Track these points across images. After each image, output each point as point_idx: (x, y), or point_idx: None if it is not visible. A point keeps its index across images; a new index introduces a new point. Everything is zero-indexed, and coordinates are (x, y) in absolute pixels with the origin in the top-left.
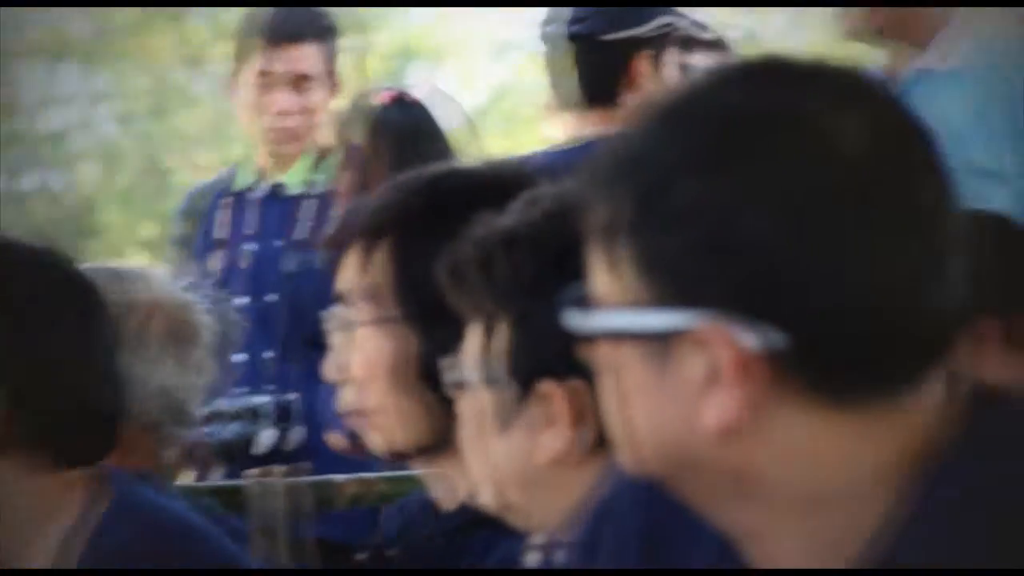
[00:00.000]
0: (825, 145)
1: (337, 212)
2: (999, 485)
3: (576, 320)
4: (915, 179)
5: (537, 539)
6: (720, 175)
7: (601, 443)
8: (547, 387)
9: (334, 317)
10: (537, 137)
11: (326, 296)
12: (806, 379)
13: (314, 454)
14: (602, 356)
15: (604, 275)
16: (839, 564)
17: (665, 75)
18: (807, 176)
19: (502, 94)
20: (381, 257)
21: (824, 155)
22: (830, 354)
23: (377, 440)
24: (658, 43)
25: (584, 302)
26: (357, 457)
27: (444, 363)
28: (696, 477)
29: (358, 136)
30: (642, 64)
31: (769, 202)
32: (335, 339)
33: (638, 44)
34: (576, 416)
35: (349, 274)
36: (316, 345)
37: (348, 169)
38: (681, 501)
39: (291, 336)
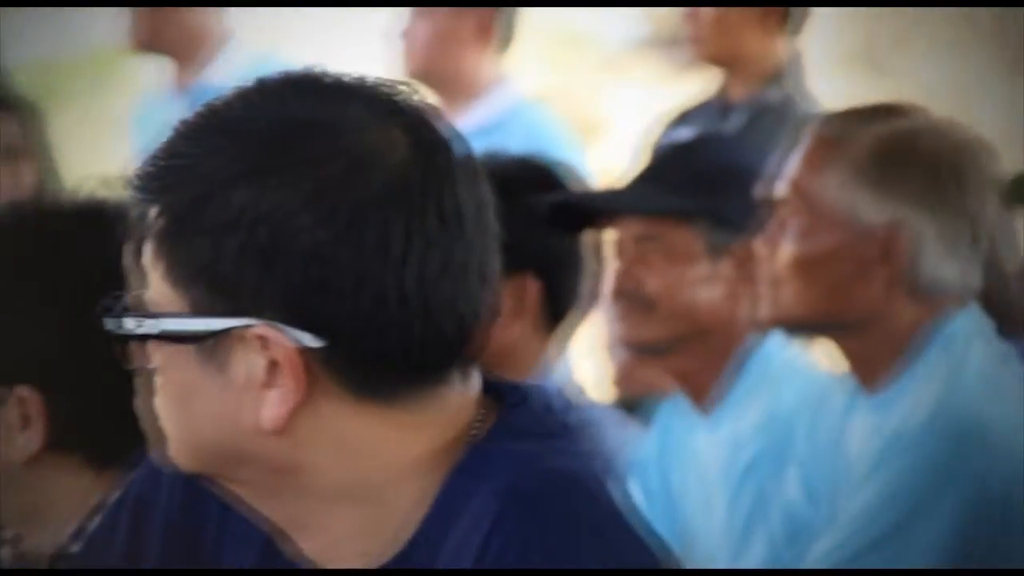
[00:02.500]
0: (371, 153)
1: None
2: (517, 468)
3: (128, 324)
4: (448, 187)
5: (7, 534)
6: (268, 183)
7: (59, 446)
8: (22, 391)
9: None
10: None
11: None
12: (349, 377)
13: None
14: (154, 358)
15: (158, 280)
16: (384, 549)
17: None
18: (355, 182)
19: None
20: None
21: (371, 163)
22: (370, 352)
23: None
24: None
25: (135, 307)
26: None
27: None
28: (245, 472)
29: None
30: None
31: (320, 208)
32: None
33: None
34: (24, 421)
35: None
36: None
37: None
38: (225, 496)
39: None
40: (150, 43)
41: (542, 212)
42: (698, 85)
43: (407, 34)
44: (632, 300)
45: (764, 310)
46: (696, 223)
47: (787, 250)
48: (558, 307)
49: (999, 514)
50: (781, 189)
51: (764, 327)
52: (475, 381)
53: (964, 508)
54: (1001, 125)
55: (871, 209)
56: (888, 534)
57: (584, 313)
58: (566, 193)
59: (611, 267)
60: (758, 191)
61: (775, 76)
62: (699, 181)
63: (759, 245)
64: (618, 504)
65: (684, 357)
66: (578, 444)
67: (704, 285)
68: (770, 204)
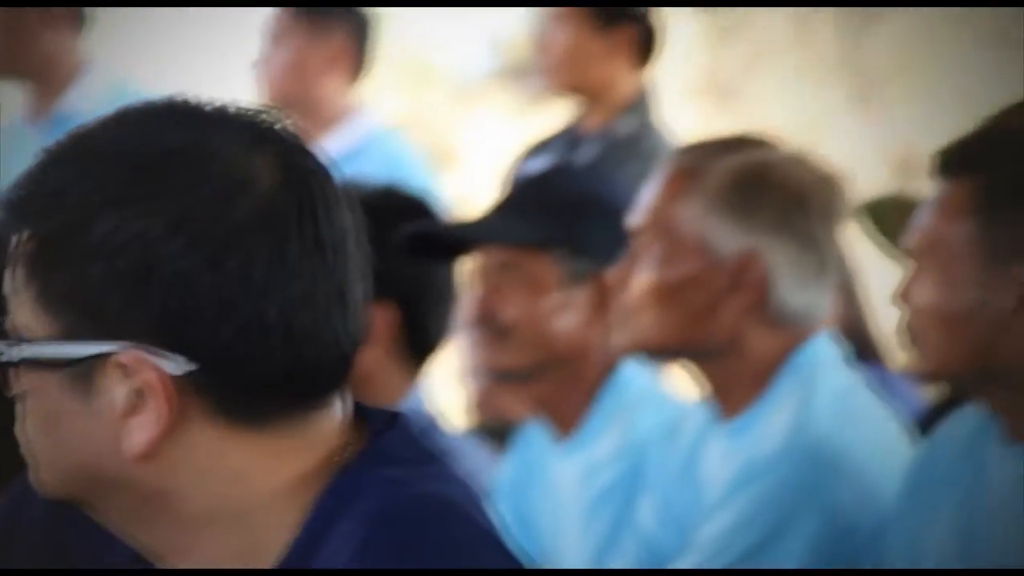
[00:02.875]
0: (238, 180)
1: None
2: (386, 492)
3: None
4: (318, 215)
5: None
6: (137, 209)
7: None
8: None
9: None
10: None
11: None
12: (218, 403)
13: None
14: (24, 383)
15: (27, 304)
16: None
17: None
18: (222, 210)
19: None
20: None
21: (237, 190)
22: (238, 379)
23: None
24: None
25: (6, 332)
26: None
27: None
28: (113, 498)
29: None
30: None
31: (186, 235)
32: None
33: None
34: None
35: None
36: None
37: None
38: (94, 521)
39: None
40: (5, 68)
41: (403, 241)
42: (552, 116)
43: (264, 62)
44: (489, 328)
45: (621, 337)
46: (553, 252)
47: (644, 278)
48: (422, 336)
49: (852, 538)
50: (638, 218)
51: (622, 354)
52: (347, 406)
53: (818, 533)
54: (848, 154)
55: (725, 238)
56: (742, 559)
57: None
58: (426, 223)
59: (469, 294)
60: (618, 220)
61: (628, 106)
62: (555, 210)
63: (616, 273)
64: (495, 527)
65: (543, 384)
66: (450, 469)
67: (561, 313)
68: (628, 233)
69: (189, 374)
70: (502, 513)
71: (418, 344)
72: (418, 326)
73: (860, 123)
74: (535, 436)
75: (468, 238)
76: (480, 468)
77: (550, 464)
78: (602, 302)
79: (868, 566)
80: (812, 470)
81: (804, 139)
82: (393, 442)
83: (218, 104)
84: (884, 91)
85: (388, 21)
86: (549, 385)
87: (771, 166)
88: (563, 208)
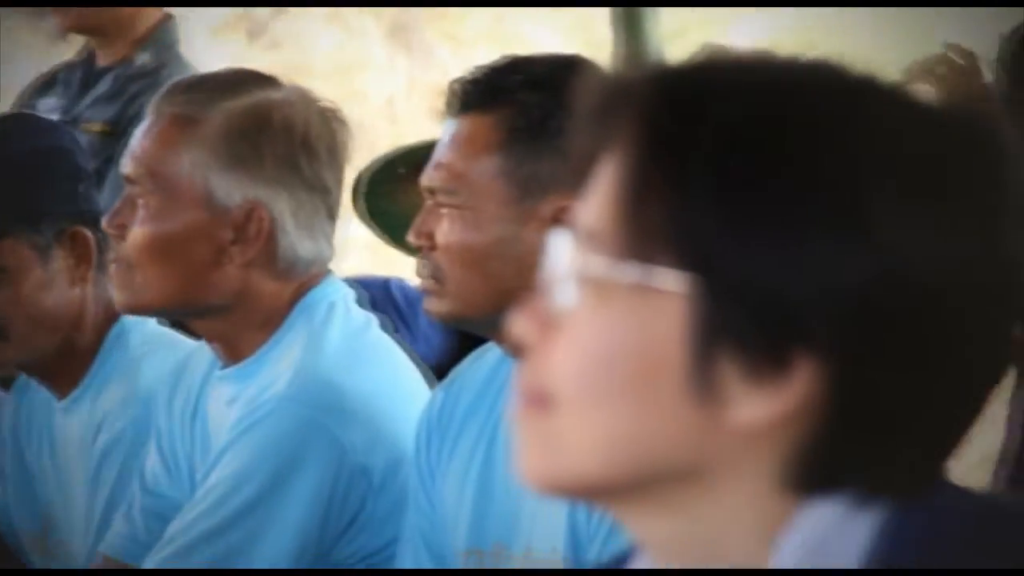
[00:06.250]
0: None
1: None
2: None
3: None
4: None
5: None
6: None
7: None
8: None
9: None
10: None
11: None
12: None
13: None
14: None
15: None
16: None
17: None
18: None
19: None
20: None
21: None
22: None
23: None
24: None
25: None
26: None
27: None
28: None
29: None
30: None
31: None
32: None
33: None
34: None
35: None
36: None
37: None
38: None
39: None
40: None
41: None
42: (68, 52)
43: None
44: None
45: (122, 297)
46: (15, 238)
47: (140, 232)
48: None
49: (364, 478)
50: (131, 166)
51: (123, 314)
52: None
53: (325, 476)
54: (387, 91)
55: (228, 189)
56: (251, 503)
57: None
58: None
59: None
60: (78, 175)
61: (148, 39)
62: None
63: (108, 224)
64: None
65: (45, 362)
66: None
67: (46, 292)
68: (123, 183)
69: None
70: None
71: None
72: None
73: (396, 60)
74: (34, 392)
75: None
76: None
77: (51, 421)
78: (85, 257)
79: (383, 505)
80: (321, 411)
81: (341, 78)
82: None
83: None
84: (417, 31)
85: None
86: (49, 359)
87: (274, 108)
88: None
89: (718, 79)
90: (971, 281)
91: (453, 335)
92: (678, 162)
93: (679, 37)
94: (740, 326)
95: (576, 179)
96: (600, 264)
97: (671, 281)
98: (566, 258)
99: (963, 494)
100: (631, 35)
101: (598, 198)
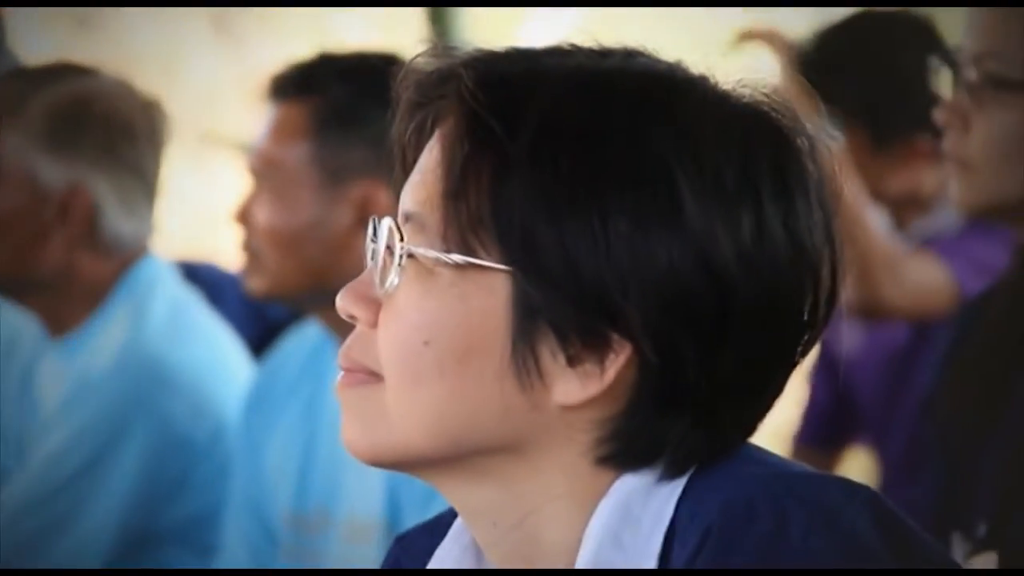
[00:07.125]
0: None
1: None
2: None
3: None
4: None
5: None
6: None
7: None
8: None
9: None
10: None
11: None
12: None
13: None
14: None
15: None
16: None
17: None
18: None
19: None
20: None
21: None
22: None
23: None
24: None
25: None
26: None
27: None
28: None
29: None
30: None
31: None
32: None
33: None
34: None
35: None
36: None
37: None
38: None
39: None
40: None
41: None
42: None
43: None
44: None
45: None
46: None
47: None
48: None
49: (186, 449)
50: None
51: None
52: None
53: (149, 446)
54: (208, 83)
55: (50, 172)
56: (77, 473)
57: None
58: None
59: None
60: None
61: None
62: None
63: None
64: None
65: None
66: None
67: None
68: None
69: None
70: None
71: None
72: None
73: (219, 53)
74: None
75: None
76: None
77: None
78: None
79: (207, 472)
80: (144, 384)
81: (164, 69)
82: None
83: None
84: (239, 23)
85: None
86: None
87: (94, 97)
88: None
89: (536, 71)
90: (770, 266)
91: (259, 320)
92: (499, 153)
93: (480, 34)
94: (557, 310)
95: (388, 165)
96: (423, 247)
97: (491, 266)
98: (390, 240)
99: (759, 458)
100: (440, 32)
101: (422, 184)
